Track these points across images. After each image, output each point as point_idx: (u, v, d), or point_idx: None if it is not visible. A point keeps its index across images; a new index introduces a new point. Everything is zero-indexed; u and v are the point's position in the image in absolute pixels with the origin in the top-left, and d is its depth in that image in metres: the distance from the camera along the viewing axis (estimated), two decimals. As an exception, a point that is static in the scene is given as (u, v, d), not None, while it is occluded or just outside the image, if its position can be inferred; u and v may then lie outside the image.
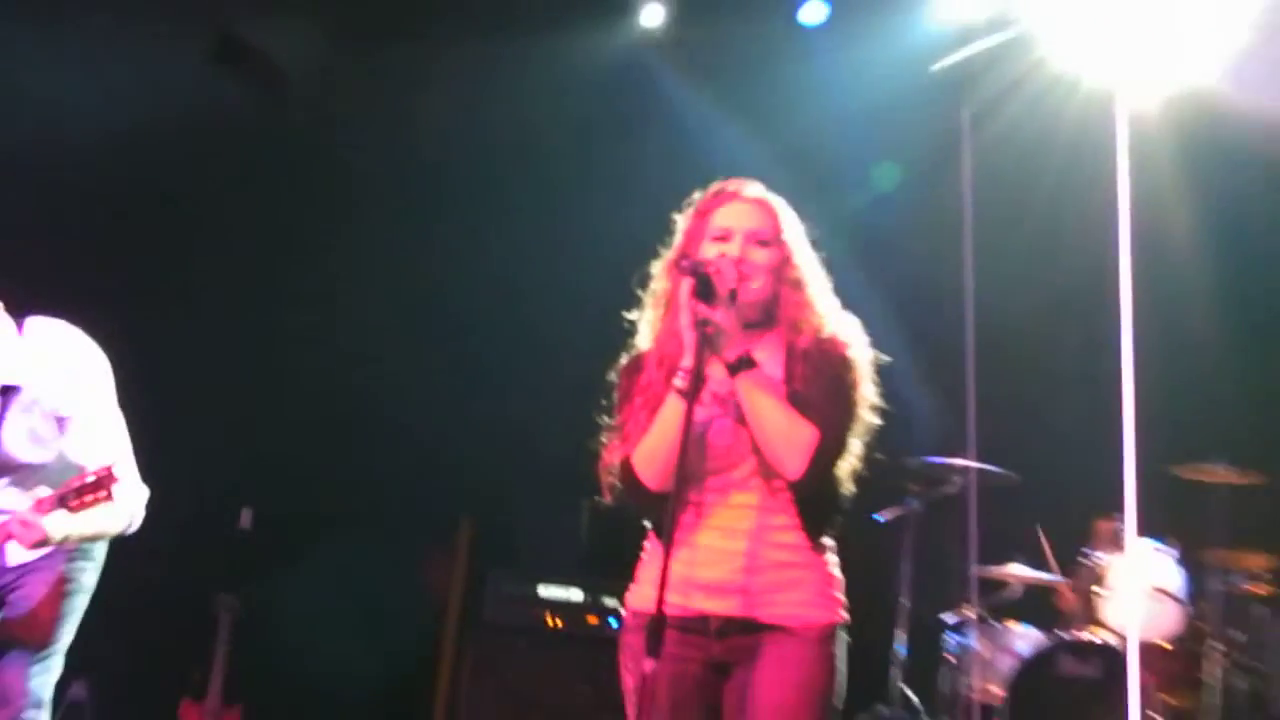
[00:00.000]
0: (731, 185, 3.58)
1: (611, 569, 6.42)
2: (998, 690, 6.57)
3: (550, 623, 6.61)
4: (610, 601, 6.57)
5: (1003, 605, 6.89)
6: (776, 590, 3.36)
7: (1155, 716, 6.30)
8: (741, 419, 3.38)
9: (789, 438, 3.34)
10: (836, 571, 3.45)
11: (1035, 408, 6.63)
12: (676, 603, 3.29)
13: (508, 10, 7.11)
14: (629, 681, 3.46)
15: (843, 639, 3.41)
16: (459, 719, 6.59)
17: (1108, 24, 5.03)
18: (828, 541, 3.44)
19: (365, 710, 7.30)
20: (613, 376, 3.64)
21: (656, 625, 3.16)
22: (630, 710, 3.40)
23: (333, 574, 7.18)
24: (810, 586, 3.39)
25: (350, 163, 7.50)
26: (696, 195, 3.61)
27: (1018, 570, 6.84)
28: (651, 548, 3.50)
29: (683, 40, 7.50)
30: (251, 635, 6.91)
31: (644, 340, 3.61)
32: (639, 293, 3.67)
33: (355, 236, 7.54)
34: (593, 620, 6.60)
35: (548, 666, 6.47)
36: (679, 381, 3.35)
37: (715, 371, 3.40)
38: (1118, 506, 6.30)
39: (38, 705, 4.35)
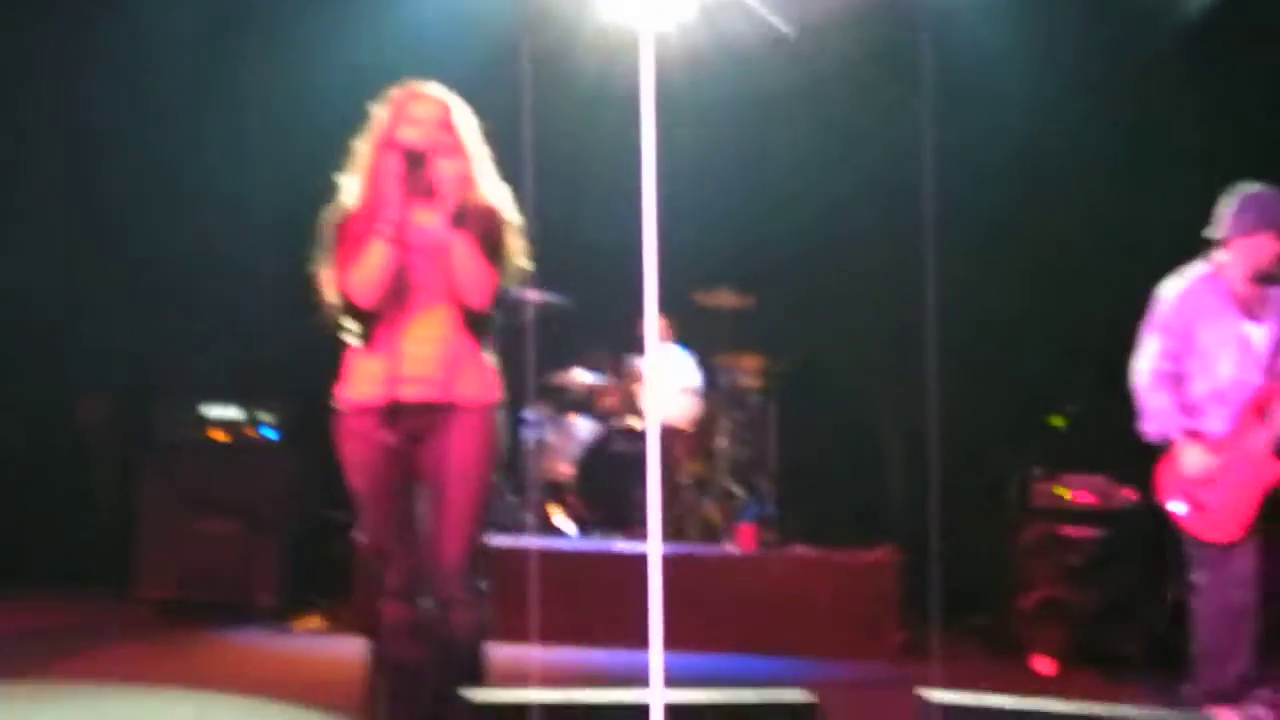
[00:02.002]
0: (419, 86, 3.92)
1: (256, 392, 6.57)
2: (567, 469, 7.16)
3: (216, 436, 6.54)
4: (265, 416, 6.51)
5: (568, 402, 7.41)
6: (457, 380, 3.84)
7: (682, 480, 7.01)
8: (432, 258, 3.78)
9: (482, 280, 3.84)
10: (494, 365, 3.97)
11: (589, 255, 6.78)
12: (388, 393, 3.75)
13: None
14: (352, 455, 3.85)
15: (501, 414, 3.94)
16: (145, 522, 6.49)
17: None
18: (487, 345, 3.96)
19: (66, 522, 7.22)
20: (320, 227, 3.85)
21: (393, 409, 3.73)
22: (354, 473, 3.84)
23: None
24: (479, 376, 3.91)
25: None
26: (392, 92, 3.89)
27: (578, 376, 7.39)
28: (357, 355, 3.87)
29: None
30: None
31: (349, 199, 3.89)
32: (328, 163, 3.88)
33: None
34: (251, 432, 6.54)
35: (218, 472, 6.45)
36: (385, 229, 3.74)
37: (423, 220, 3.77)
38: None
39: None
